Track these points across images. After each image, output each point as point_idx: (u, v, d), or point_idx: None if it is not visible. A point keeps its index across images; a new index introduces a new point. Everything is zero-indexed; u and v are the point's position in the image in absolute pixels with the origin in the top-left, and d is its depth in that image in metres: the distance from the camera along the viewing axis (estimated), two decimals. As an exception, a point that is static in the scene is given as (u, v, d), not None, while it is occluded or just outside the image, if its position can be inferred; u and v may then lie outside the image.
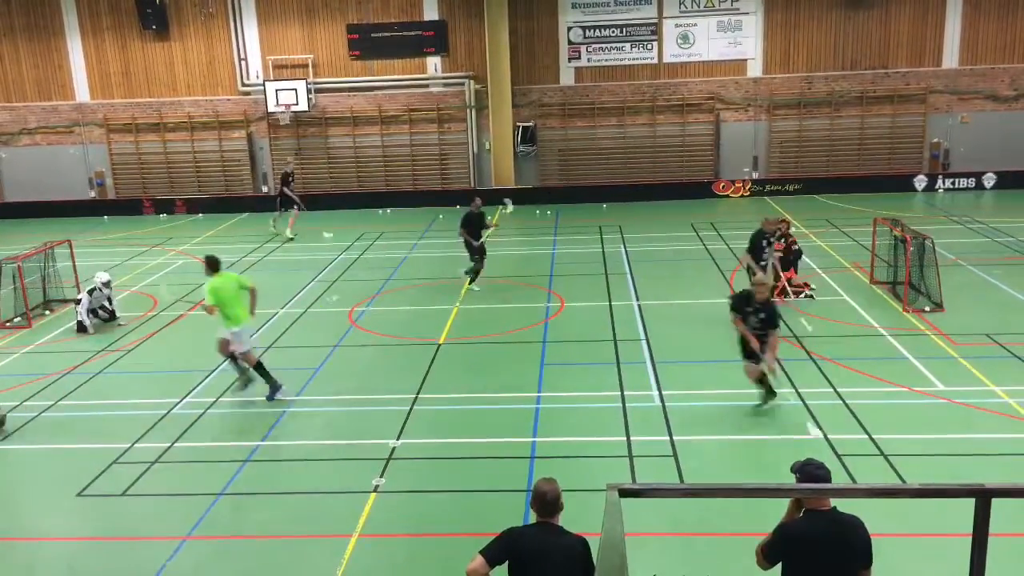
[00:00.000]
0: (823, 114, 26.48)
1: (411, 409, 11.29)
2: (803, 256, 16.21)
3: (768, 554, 5.09)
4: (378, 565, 8.00)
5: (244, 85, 27.40)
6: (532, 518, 5.49)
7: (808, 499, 5.11)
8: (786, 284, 15.43)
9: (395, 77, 27.14)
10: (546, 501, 5.34)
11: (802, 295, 15.50)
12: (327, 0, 26.64)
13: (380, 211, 26.38)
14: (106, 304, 15.50)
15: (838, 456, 9.38)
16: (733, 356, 12.75)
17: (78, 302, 15.26)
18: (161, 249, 22.27)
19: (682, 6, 26.07)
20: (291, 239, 22.52)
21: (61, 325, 15.63)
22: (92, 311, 15.27)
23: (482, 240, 16.78)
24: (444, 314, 15.42)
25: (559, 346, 13.53)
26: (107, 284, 15.47)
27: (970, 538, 3.31)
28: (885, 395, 11.14)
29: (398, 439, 10.40)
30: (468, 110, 27.09)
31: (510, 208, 21.11)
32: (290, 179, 22.84)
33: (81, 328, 15.06)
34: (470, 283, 16.94)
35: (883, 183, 26.00)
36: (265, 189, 28.01)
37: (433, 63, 27.03)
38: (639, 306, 15.46)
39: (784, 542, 5.05)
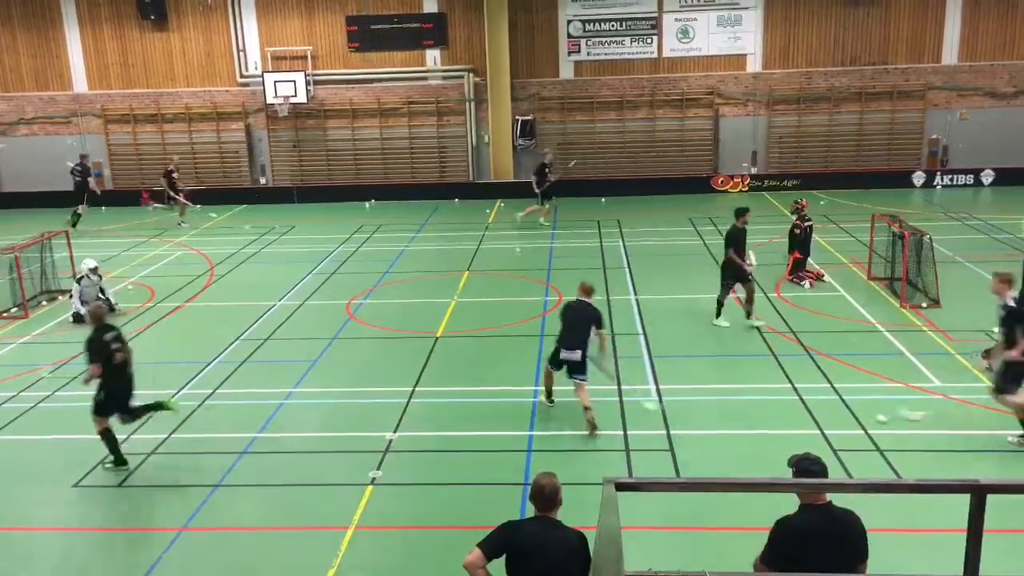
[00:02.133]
0: (822, 110, 26.45)
1: (408, 402, 11.30)
2: (809, 238, 16.29)
3: (769, 560, 5.06)
4: (375, 558, 8.01)
5: (243, 77, 27.32)
6: (530, 511, 5.50)
7: (804, 494, 5.12)
8: (793, 265, 16.07)
9: (394, 70, 27.07)
10: (545, 495, 5.35)
11: (804, 283, 15.75)
12: (326, -8, 26.61)
13: (366, 204, 26.16)
14: (100, 294, 15.48)
15: (834, 451, 9.41)
16: (728, 351, 12.83)
17: (71, 295, 15.24)
18: (159, 241, 22.24)
19: (682, 1, 26.02)
20: (545, 225, 22.07)
21: (58, 315, 15.61)
22: (87, 303, 15.24)
23: (751, 262, 14.01)
24: (442, 307, 15.42)
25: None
26: (94, 270, 15.31)
27: (965, 533, 3.33)
28: (881, 391, 11.17)
29: (395, 432, 10.41)
30: (467, 103, 27.04)
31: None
32: (547, 169, 22.12)
33: (78, 319, 15.04)
34: (748, 316, 13.74)
35: (881, 179, 26.00)
36: (263, 181, 27.97)
37: (432, 56, 26.97)
38: (637, 300, 15.47)
39: (782, 540, 5.05)
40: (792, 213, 16.56)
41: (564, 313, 10.54)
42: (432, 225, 23.18)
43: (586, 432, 10.08)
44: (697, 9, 26.05)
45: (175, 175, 24.30)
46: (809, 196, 24.82)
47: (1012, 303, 9.39)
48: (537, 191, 22.03)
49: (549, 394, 10.89)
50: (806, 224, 16.13)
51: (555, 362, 10.41)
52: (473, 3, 26.20)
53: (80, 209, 23.31)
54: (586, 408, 10.10)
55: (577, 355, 10.14)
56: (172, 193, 23.97)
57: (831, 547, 4.97)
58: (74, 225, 22.38)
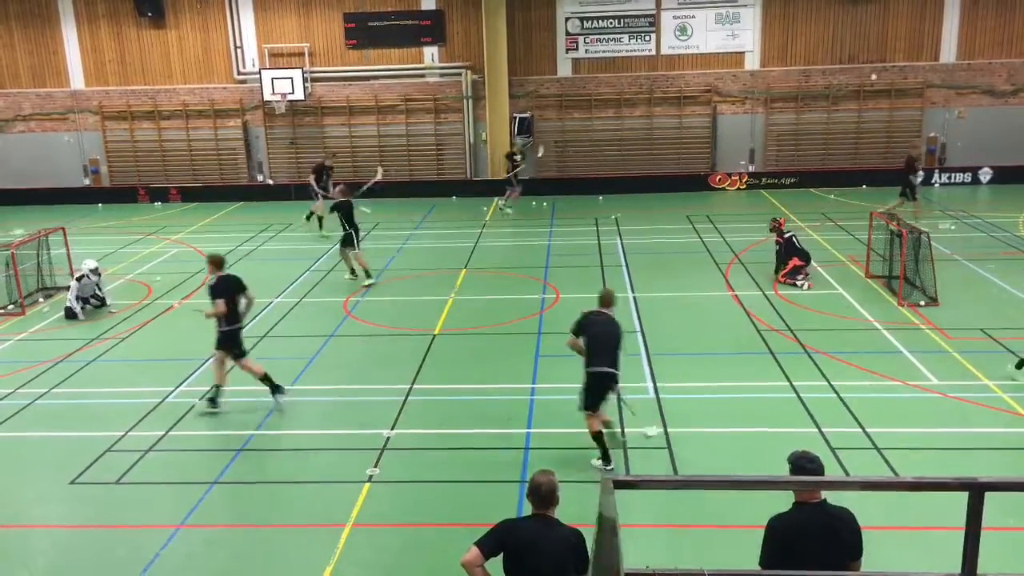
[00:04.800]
0: (820, 108, 26.43)
1: (406, 399, 11.29)
2: (795, 248, 16.21)
3: (767, 562, 5.05)
4: (372, 555, 8.00)
5: (240, 73, 27.27)
6: (527, 510, 5.49)
7: (798, 492, 5.12)
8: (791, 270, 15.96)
9: (392, 67, 27.03)
10: (542, 493, 5.34)
11: (803, 284, 15.77)
12: (324, -11, 26.55)
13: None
14: (96, 292, 15.53)
15: (832, 449, 9.41)
16: (726, 349, 12.82)
17: (68, 289, 15.30)
18: (156, 238, 22.21)
19: (680, -2, 26.02)
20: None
21: (55, 313, 15.58)
22: (83, 300, 15.29)
23: None
24: (439, 305, 15.40)
25: (554, 337, 13.49)
26: (95, 271, 15.49)
27: (963, 531, 3.33)
28: (879, 389, 11.17)
29: (393, 429, 10.40)
30: (465, 100, 27.01)
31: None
32: (917, 163, 20.73)
33: (70, 315, 15.06)
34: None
35: (879, 177, 25.98)
36: (260, 178, 27.91)
37: (430, 53, 26.93)
38: (634, 298, 15.45)
39: (775, 538, 5.05)
40: (771, 231, 16.74)
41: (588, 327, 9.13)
42: (429, 222, 23.15)
43: (583, 430, 10.06)
44: (695, 6, 26.02)
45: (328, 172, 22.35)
46: (805, 195, 24.96)
47: None
48: (914, 186, 20.32)
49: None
50: (787, 237, 16.17)
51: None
52: (471, 0, 26.17)
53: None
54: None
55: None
56: (317, 189, 21.93)
57: (824, 545, 4.96)
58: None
